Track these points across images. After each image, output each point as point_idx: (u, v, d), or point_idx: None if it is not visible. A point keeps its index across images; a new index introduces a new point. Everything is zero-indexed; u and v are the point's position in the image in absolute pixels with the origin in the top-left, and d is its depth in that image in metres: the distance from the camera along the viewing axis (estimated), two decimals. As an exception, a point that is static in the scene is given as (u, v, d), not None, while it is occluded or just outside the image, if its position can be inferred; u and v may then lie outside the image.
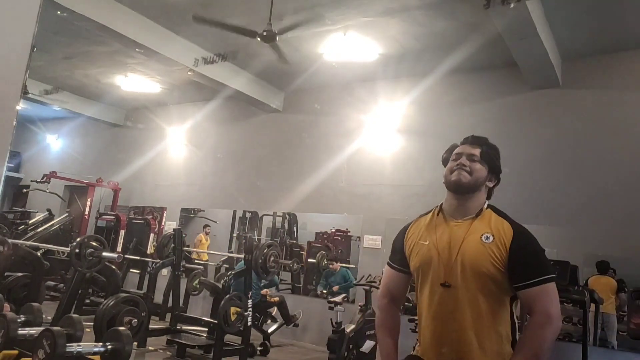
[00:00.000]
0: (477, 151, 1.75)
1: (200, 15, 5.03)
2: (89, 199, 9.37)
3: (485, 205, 1.74)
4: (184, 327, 5.63)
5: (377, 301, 1.95)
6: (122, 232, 8.45)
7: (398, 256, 1.85)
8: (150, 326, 5.27)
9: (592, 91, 5.56)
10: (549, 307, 1.56)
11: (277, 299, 6.05)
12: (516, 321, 1.70)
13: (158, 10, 5.66)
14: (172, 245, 6.07)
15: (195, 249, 7.70)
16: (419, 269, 1.74)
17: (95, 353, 2.51)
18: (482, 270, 1.60)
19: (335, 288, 6.47)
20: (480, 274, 1.60)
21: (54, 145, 11.39)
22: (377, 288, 5.61)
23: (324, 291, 6.61)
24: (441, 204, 1.79)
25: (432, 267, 1.68)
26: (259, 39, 4.95)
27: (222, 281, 5.67)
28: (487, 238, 1.64)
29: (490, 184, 1.78)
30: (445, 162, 1.82)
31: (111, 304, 3.53)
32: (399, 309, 1.91)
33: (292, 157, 7.60)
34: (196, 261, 7.46)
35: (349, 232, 7.05)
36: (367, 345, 4.84)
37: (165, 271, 6.71)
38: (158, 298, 6.12)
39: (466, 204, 1.72)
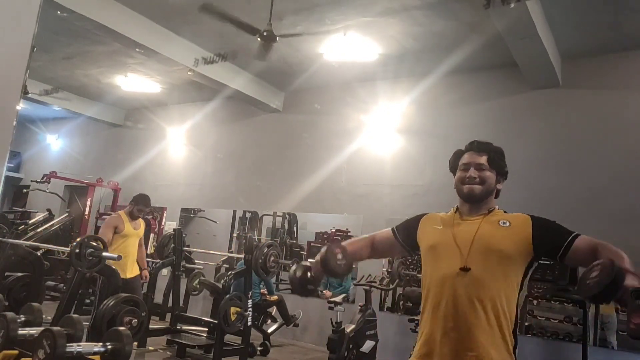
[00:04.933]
0: (484, 159, 1.83)
1: (208, 4, 5.02)
2: (89, 199, 9.37)
3: (497, 207, 1.86)
4: (184, 327, 5.63)
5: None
6: (122, 232, 8.44)
7: (404, 230, 1.95)
8: (150, 326, 5.26)
9: (592, 91, 5.56)
10: (602, 240, 1.63)
11: (276, 297, 6.05)
12: (518, 318, 1.74)
13: (158, 10, 5.66)
14: (172, 245, 6.07)
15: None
16: (430, 249, 1.81)
17: (95, 353, 2.51)
18: (499, 248, 1.68)
19: (328, 293, 6.47)
20: (497, 252, 1.68)
21: (54, 145, 11.39)
22: (377, 288, 5.62)
23: (323, 291, 6.60)
24: (457, 206, 1.90)
25: (447, 250, 1.75)
26: (258, 39, 4.95)
27: (222, 281, 5.67)
28: (504, 223, 1.75)
29: (499, 186, 1.88)
30: (452, 168, 1.91)
31: (111, 304, 3.53)
32: (369, 253, 2.00)
33: (292, 157, 7.61)
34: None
35: (349, 232, 7.05)
36: (367, 345, 4.84)
37: (165, 271, 6.71)
38: (158, 298, 6.12)
39: (479, 207, 1.83)
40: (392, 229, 1.98)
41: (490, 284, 1.66)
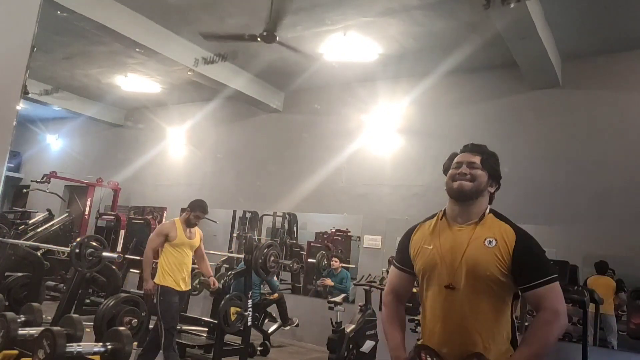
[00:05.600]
0: (477, 159, 1.81)
1: (207, 32, 5.10)
2: (89, 199, 9.37)
3: (487, 210, 1.80)
4: (184, 327, 5.63)
5: (383, 298, 2.01)
6: (122, 232, 8.45)
7: (403, 257, 1.92)
8: (151, 326, 5.26)
9: (592, 91, 5.56)
10: (556, 305, 1.63)
11: (276, 295, 6.05)
12: (515, 321, 1.75)
13: (158, 10, 5.66)
14: (172, 245, 6.05)
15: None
16: (423, 272, 1.80)
17: (95, 353, 2.51)
18: (485, 274, 1.66)
19: (329, 282, 6.48)
20: (484, 277, 1.66)
21: (54, 145, 11.39)
22: (377, 288, 5.61)
23: (324, 278, 6.61)
24: (444, 209, 1.85)
25: (437, 270, 1.74)
26: (259, 39, 4.96)
27: (222, 281, 5.66)
28: (490, 242, 1.70)
29: (492, 190, 1.84)
30: (446, 170, 1.88)
31: (111, 304, 3.53)
32: (404, 305, 1.98)
33: (292, 157, 7.60)
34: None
35: (349, 232, 7.05)
36: (367, 345, 4.83)
37: (165, 271, 6.69)
38: (158, 298, 6.10)
39: (469, 210, 1.78)
40: (395, 265, 1.96)
41: (479, 304, 1.66)
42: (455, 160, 1.85)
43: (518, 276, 1.66)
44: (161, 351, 4.35)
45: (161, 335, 4.27)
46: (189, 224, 4.59)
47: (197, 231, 4.73)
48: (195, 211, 4.58)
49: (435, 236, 1.80)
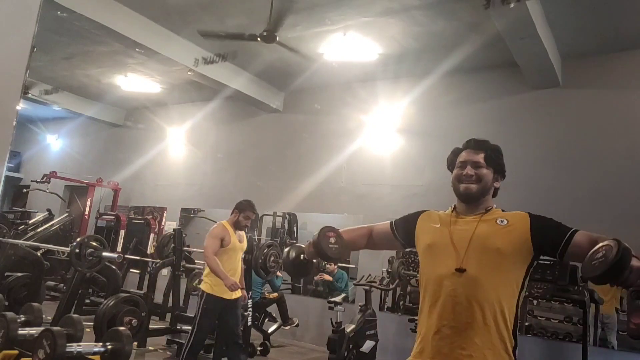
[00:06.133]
0: (481, 157, 1.81)
1: (205, 30, 5.11)
2: (89, 199, 9.37)
3: (495, 205, 1.84)
4: (184, 327, 5.63)
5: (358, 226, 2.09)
6: (122, 232, 8.45)
7: (403, 226, 1.95)
8: (150, 326, 5.27)
9: (592, 91, 5.56)
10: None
11: (276, 295, 6.05)
12: (518, 318, 1.72)
13: (158, 10, 5.66)
14: (172, 245, 6.07)
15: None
16: (428, 248, 1.80)
17: (95, 353, 2.51)
18: (497, 247, 1.66)
19: (327, 276, 6.48)
20: (495, 251, 1.66)
21: (54, 145, 11.39)
22: (377, 288, 5.62)
23: (326, 265, 6.58)
24: (454, 205, 1.88)
25: (444, 250, 1.73)
26: (259, 39, 4.96)
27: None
28: (502, 221, 1.73)
29: (497, 184, 1.85)
30: (450, 165, 1.89)
31: (111, 304, 3.54)
32: (365, 244, 2.04)
33: (292, 157, 7.60)
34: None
35: (349, 232, 7.03)
36: (367, 345, 4.84)
37: (165, 271, 6.71)
38: (158, 298, 6.11)
39: (477, 205, 1.82)
40: (391, 223, 1.99)
41: (486, 284, 1.64)
42: (460, 159, 1.85)
43: (550, 242, 1.66)
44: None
45: (188, 341, 4.14)
46: (237, 226, 4.33)
47: (243, 234, 4.47)
48: (245, 212, 4.31)
49: (444, 221, 1.83)
